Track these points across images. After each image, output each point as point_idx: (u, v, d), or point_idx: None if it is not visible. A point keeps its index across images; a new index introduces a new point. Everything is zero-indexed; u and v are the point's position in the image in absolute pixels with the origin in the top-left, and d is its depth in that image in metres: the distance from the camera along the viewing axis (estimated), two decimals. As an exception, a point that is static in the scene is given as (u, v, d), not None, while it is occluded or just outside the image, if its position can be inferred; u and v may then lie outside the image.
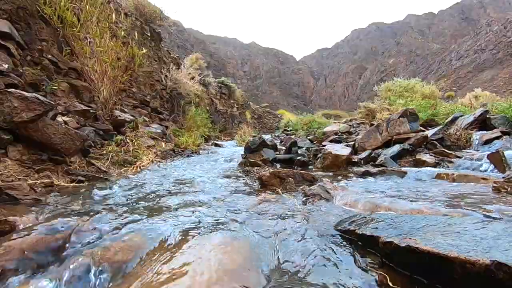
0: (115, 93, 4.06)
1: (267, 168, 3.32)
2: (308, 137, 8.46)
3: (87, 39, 3.67)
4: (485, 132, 3.97)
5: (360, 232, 1.08)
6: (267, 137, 13.18)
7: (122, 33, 3.98)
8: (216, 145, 8.02)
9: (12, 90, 1.93)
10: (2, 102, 1.88)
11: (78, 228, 1.22)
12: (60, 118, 3.00)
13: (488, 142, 3.69)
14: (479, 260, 0.67)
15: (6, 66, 3.25)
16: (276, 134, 14.80)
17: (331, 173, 3.19)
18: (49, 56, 4.24)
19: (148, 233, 1.27)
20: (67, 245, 1.13)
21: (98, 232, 1.28)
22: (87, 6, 3.53)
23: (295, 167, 3.73)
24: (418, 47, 60.95)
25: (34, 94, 2.03)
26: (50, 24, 4.06)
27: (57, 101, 3.96)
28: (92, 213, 1.53)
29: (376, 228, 1.05)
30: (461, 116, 4.76)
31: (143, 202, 1.85)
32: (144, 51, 4.67)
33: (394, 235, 0.93)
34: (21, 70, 3.68)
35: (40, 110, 2.00)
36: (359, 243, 1.11)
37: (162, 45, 9.08)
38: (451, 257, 0.71)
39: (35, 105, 1.98)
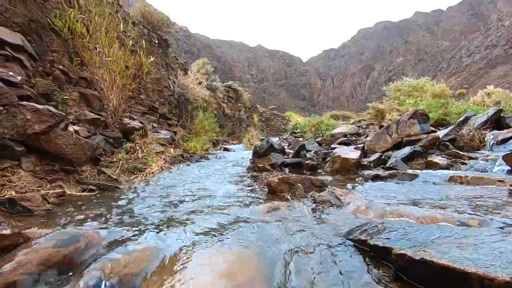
0: (124, 101, 4.13)
1: (275, 173, 3.30)
2: (316, 139, 8.41)
3: (96, 49, 3.74)
4: (500, 131, 3.86)
5: (372, 243, 1.06)
6: (274, 140, 13.21)
7: (130, 42, 4.04)
8: (225, 149, 8.04)
9: (25, 103, 1.98)
10: (16, 115, 1.93)
11: (90, 240, 1.24)
12: (71, 128, 3.06)
13: (503, 142, 3.58)
14: (498, 277, 0.64)
15: (19, 78, 3.33)
16: (284, 137, 14.75)
17: (340, 177, 3.15)
18: (60, 66, 4.34)
19: (157, 245, 1.28)
20: (79, 257, 1.14)
21: (109, 244, 1.29)
22: (96, 17, 3.61)
23: (304, 171, 3.71)
24: (427, 45, 60.02)
25: (46, 106, 2.07)
26: (60, 36, 4.17)
27: (68, 110, 4.05)
28: (102, 224, 1.55)
29: (389, 238, 1.02)
30: (474, 115, 4.64)
31: (152, 211, 1.86)
32: (152, 59, 4.73)
33: (408, 246, 0.91)
34: (33, 81, 3.77)
35: (52, 122, 2.04)
36: (371, 253, 1.08)
37: (170, 51, 9.19)
38: (469, 272, 0.69)
39: (47, 117, 2.02)
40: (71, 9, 3.58)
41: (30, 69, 3.91)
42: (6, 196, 1.66)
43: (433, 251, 0.82)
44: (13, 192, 1.81)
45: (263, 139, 11.57)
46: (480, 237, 0.84)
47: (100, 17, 3.67)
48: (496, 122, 4.18)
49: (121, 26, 3.99)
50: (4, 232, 1.30)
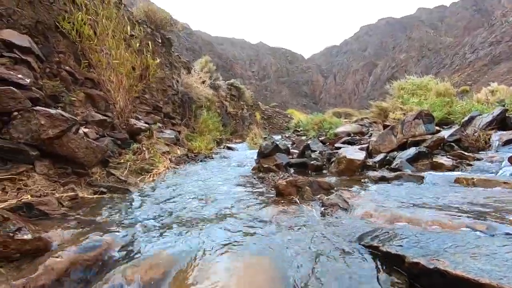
0: (131, 102, 4.16)
1: (281, 174, 3.34)
2: (320, 138, 8.42)
3: (103, 51, 3.77)
4: (505, 132, 3.86)
5: (385, 250, 1.09)
6: (277, 137, 13.22)
7: (137, 44, 4.07)
8: (228, 148, 8.07)
9: (39, 108, 2.01)
10: (30, 120, 1.97)
11: (109, 245, 1.28)
12: (80, 130, 3.10)
13: (508, 143, 3.58)
14: (512, 288, 0.67)
15: (28, 80, 3.36)
16: (287, 135, 14.79)
17: (346, 178, 3.18)
18: (67, 67, 4.38)
19: (173, 250, 1.31)
20: (99, 263, 1.18)
21: (127, 249, 1.33)
22: (103, 20, 3.63)
23: (309, 172, 3.74)
24: (430, 41, 59.57)
25: (59, 111, 2.11)
26: (66, 37, 4.20)
27: (75, 111, 4.09)
28: (118, 229, 1.59)
29: (401, 246, 1.06)
30: (479, 115, 4.64)
31: (163, 215, 1.90)
32: (158, 61, 4.76)
33: (421, 255, 0.94)
34: (41, 83, 3.81)
35: (65, 126, 2.08)
36: (384, 259, 1.12)
37: (173, 50, 9.20)
38: (483, 283, 0.72)
39: (60, 121, 2.06)
40: (79, 12, 3.61)
41: (38, 70, 3.95)
42: (23, 201, 1.70)
43: (446, 261, 0.85)
44: (29, 196, 1.85)
45: (266, 137, 11.63)
46: (493, 248, 0.87)
47: (107, 19, 3.70)
48: (502, 122, 4.18)
49: (128, 28, 4.02)
50: (26, 237, 1.34)
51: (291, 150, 5.27)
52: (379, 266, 1.09)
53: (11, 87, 2.09)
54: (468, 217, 1.61)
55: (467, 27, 57.90)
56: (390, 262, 1.07)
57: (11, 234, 1.33)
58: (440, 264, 0.84)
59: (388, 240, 1.15)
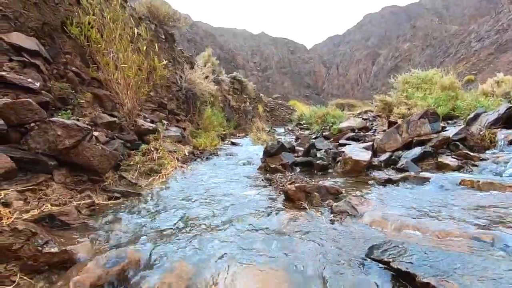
0: (138, 104, 4.21)
1: (288, 175, 3.39)
2: (324, 133, 8.46)
3: (110, 54, 3.80)
4: (511, 131, 3.86)
5: (395, 266, 1.15)
6: (280, 130, 13.21)
7: (145, 47, 4.08)
8: (232, 143, 8.13)
9: (55, 119, 2.07)
10: (47, 131, 2.03)
11: (133, 259, 1.35)
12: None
13: (513, 142, 3.60)
14: (518, 316, 0.73)
15: (37, 84, 3.41)
16: (290, 128, 14.80)
17: (352, 179, 3.24)
18: (73, 68, 4.41)
19: (193, 262, 1.39)
20: (126, 277, 1.26)
21: (148, 262, 1.40)
22: (110, 23, 3.64)
23: (315, 171, 3.80)
24: (435, 29, 58.47)
25: (74, 121, 2.17)
26: (71, 37, 4.22)
27: (84, 112, 4.15)
28: (136, 239, 1.66)
29: (411, 263, 1.12)
30: (484, 112, 4.63)
31: (177, 223, 1.96)
32: (165, 62, 4.78)
33: (431, 274, 1.00)
34: (49, 85, 3.85)
35: (80, 136, 2.14)
36: (393, 274, 1.18)
37: (175, 45, 9.17)
38: (490, 309, 0.78)
39: (75, 131, 2.12)
40: (86, 16, 3.62)
41: (46, 73, 3.99)
42: (45, 212, 1.78)
43: (455, 283, 0.91)
44: (49, 205, 1.93)
45: (269, 131, 11.65)
46: (499, 271, 0.93)
47: (114, 22, 3.71)
48: (507, 120, 4.17)
49: (135, 30, 4.03)
50: (53, 250, 1.42)
51: (296, 148, 5.32)
52: (389, 281, 1.15)
53: (28, 99, 2.14)
54: (474, 225, 1.66)
55: (473, 15, 56.70)
56: (400, 277, 1.13)
57: (40, 248, 1.41)
58: (450, 286, 0.90)
59: (398, 256, 1.21)
